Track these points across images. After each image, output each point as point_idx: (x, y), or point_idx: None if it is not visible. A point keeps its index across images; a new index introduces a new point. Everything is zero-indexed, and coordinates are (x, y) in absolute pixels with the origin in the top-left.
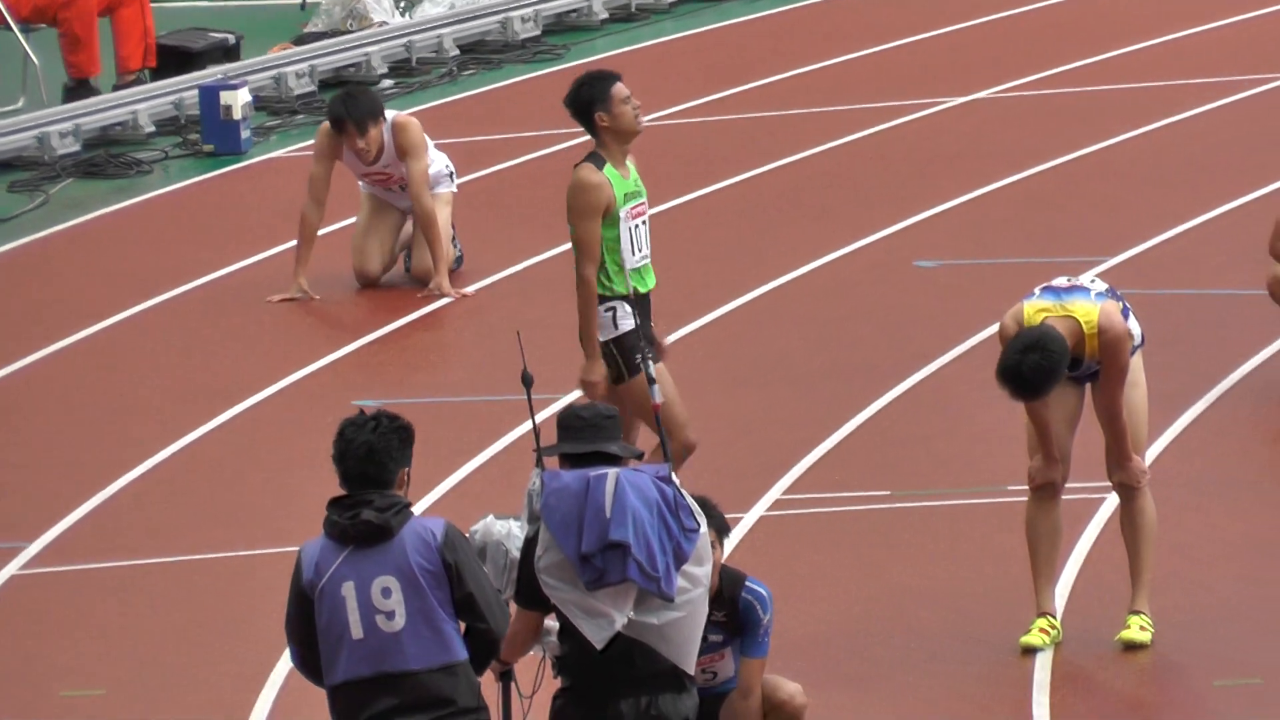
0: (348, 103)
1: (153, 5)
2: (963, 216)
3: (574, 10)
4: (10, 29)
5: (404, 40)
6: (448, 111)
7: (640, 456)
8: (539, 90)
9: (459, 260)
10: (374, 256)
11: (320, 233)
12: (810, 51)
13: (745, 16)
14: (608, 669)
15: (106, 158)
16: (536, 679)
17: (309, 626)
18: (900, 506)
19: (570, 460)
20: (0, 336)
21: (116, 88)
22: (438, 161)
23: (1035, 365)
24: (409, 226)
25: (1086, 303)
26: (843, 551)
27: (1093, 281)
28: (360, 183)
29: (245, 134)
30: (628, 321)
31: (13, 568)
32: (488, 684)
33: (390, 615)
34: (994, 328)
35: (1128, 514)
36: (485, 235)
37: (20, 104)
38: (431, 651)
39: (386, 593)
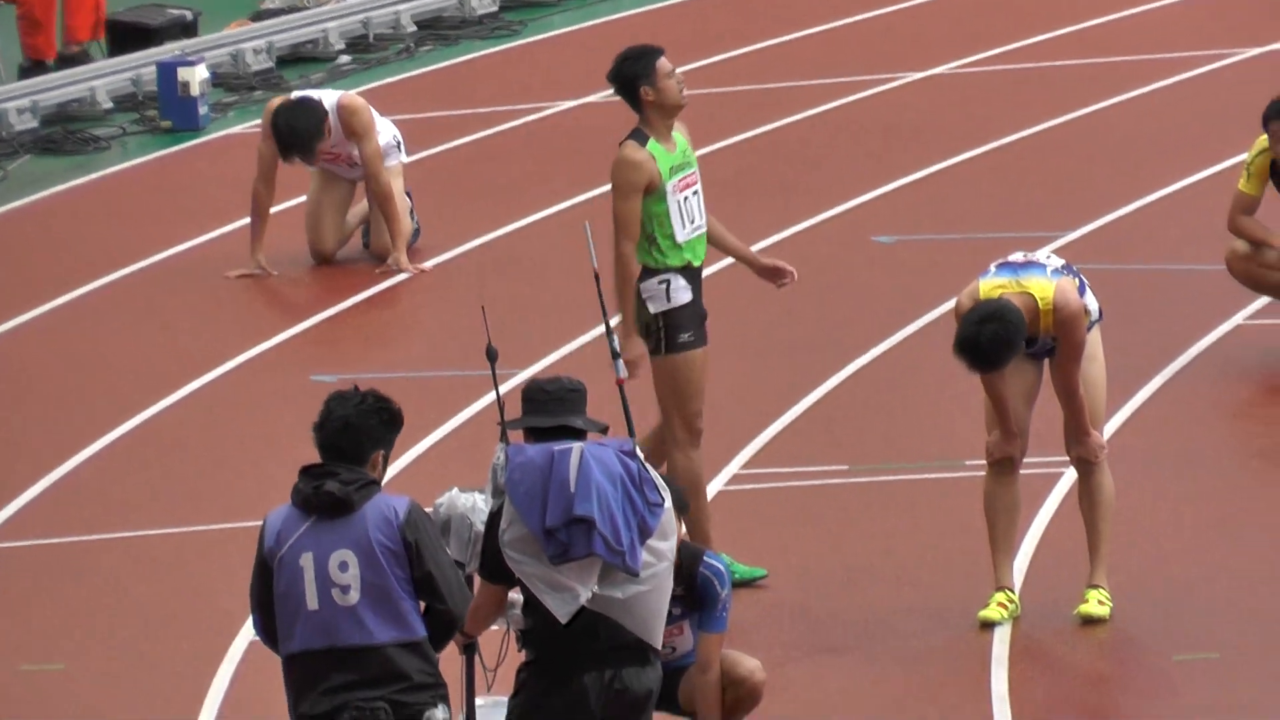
0: (290, 139)
1: None
2: (921, 192)
3: None
4: None
5: (361, 16)
6: (405, 88)
7: (605, 430)
8: (496, 66)
9: (416, 233)
10: (328, 234)
11: (278, 209)
12: (768, 27)
13: None
14: (572, 643)
15: (64, 134)
16: (500, 652)
17: (269, 594)
18: (858, 481)
19: (535, 434)
20: None
21: (62, 58)
22: (385, 132)
23: (993, 336)
24: (365, 203)
25: (1042, 279)
26: (801, 526)
27: (1049, 258)
28: None
29: (203, 110)
30: (683, 295)
31: None
32: (451, 657)
33: (345, 589)
34: (951, 303)
35: (1085, 489)
36: (443, 211)
37: None
38: (385, 628)
39: (344, 567)
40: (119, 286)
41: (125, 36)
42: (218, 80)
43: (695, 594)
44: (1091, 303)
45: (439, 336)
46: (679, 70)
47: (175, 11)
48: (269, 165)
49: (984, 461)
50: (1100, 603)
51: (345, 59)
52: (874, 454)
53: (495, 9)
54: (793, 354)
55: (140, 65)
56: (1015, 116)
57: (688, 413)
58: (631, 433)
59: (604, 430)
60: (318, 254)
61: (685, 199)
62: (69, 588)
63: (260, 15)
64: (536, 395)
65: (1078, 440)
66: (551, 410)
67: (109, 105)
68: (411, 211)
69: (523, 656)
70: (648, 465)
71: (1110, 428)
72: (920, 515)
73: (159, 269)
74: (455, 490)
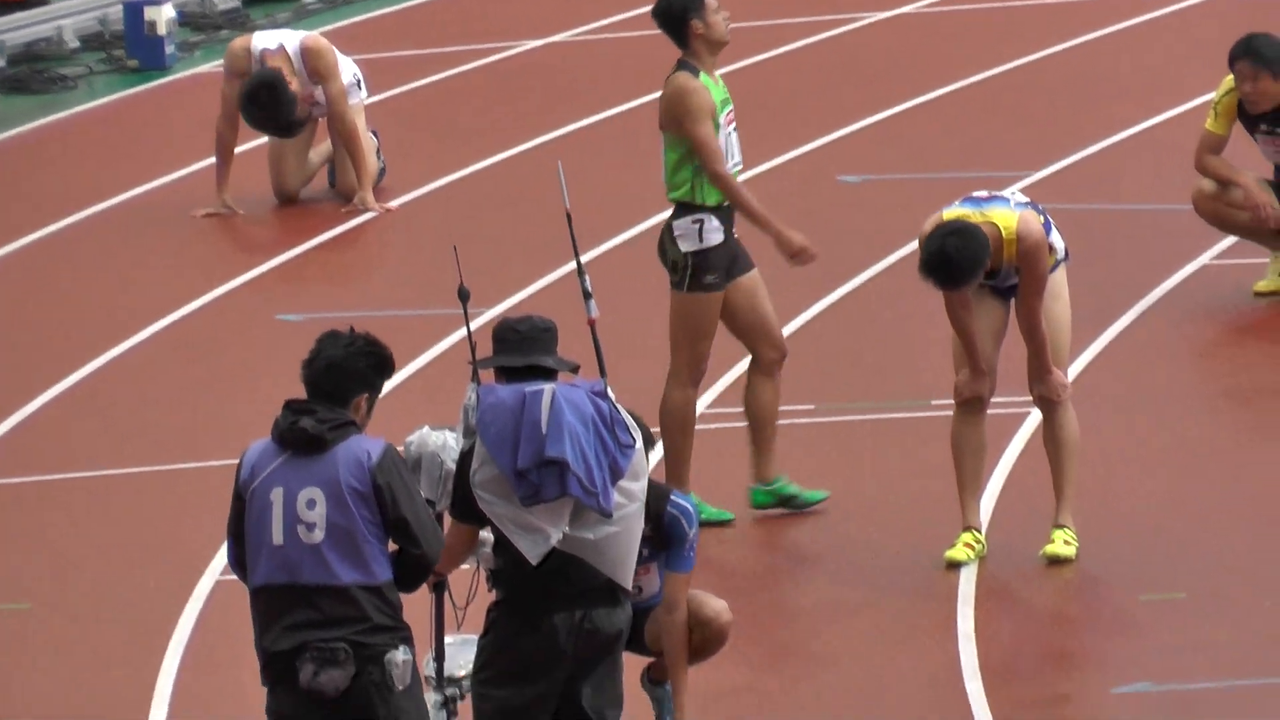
0: (267, 126)
1: None
2: (887, 132)
3: None
4: None
5: None
6: (371, 27)
7: (576, 369)
8: (462, 5)
9: (382, 173)
10: (290, 173)
11: (243, 149)
12: None
13: None
14: (542, 583)
15: (31, 73)
16: (470, 591)
17: (241, 525)
18: (825, 421)
19: (506, 374)
20: None
21: None
22: (345, 70)
23: (957, 248)
24: (328, 142)
25: (1006, 210)
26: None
27: (1013, 194)
28: None
29: (169, 50)
30: (715, 235)
31: None
32: (420, 596)
33: (311, 527)
34: (917, 243)
35: (1049, 429)
36: (408, 151)
37: None
38: (347, 569)
39: (311, 504)
40: (85, 226)
41: None
42: (184, 19)
43: (662, 533)
44: (1058, 241)
45: (405, 275)
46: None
47: None
48: (232, 106)
49: (951, 401)
50: (1066, 543)
51: None
52: (840, 394)
53: None
54: None
55: (107, 4)
56: (982, 56)
57: (696, 352)
58: (603, 372)
59: (575, 370)
60: (281, 194)
61: (729, 135)
62: (34, 528)
63: None
64: (507, 335)
65: (1040, 379)
66: (523, 350)
67: (76, 44)
68: (378, 151)
69: (492, 596)
70: (618, 406)
71: (1077, 367)
72: (887, 455)
73: (125, 208)
74: (426, 428)
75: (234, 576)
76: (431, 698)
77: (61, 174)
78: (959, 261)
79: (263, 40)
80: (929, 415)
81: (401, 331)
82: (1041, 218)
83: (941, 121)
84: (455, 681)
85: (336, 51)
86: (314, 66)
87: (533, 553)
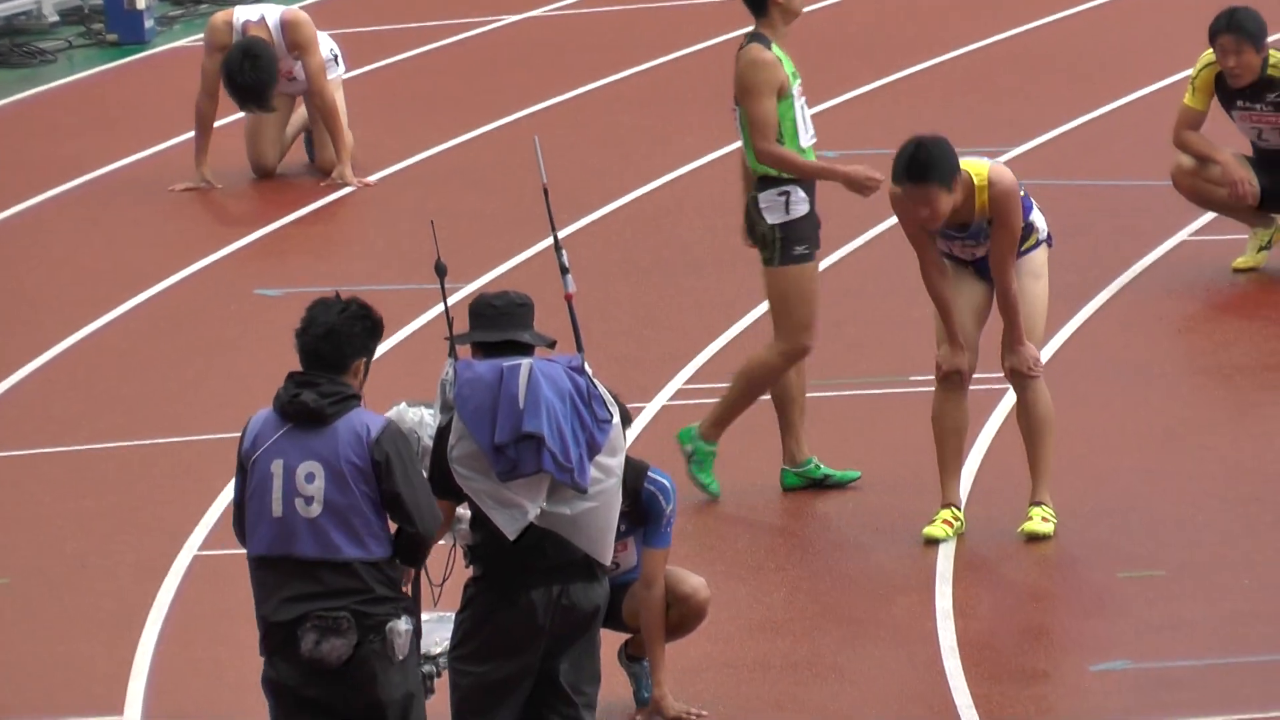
0: (246, 94)
1: None
2: (868, 105)
3: None
4: None
5: None
6: (349, 2)
7: (553, 345)
8: None
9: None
10: (268, 148)
11: (222, 123)
12: None
13: None
14: (520, 559)
15: (10, 47)
16: (447, 567)
17: (243, 494)
18: (805, 397)
19: (483, 349)
20: None
21: None
22: (323, 46)
23: (930, 140)
24: (302, 111)
25: (978, 160)
26: (745, 441)
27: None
28: None
29: (149, 24)
30: (801, 206)
31: None
32: None
33: (310, 500)
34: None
35: (1023, 405)
36: (386, 125)
37: None
38: (345, 544)
39: (310, 478)
40: (64, 200)
41: None
42: None
43: (640, 509)
44: (1039, 221)
45: (383, 250)
46: None
47: None
48: (212, 80)
49: (931, 378)
50: (1044, 519)
51: None
52: (820, 369)
53: None
54: (738, 267)
55: None
56: (962, 31)
57: (795, 321)
58: (580, 348)
59: (552, 345)
60: (259, 168)
61: (802, 107)
62: (13, 502)
63: None
64: (484, 310)
65: (1011, 349)
66: (499, 325)
67: (55, 18)
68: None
69: (469, 572)
70: (596, 381)
71: (1056, 343)
72: (865, 431)
73: (104, 182)
74: (403, 404)
75: (212, 551)
76: None
77: (40, 148)
78: (929, 148)
79: (244, 13)
80: (909, 391)
81: (380, 306)
82: (1021, 192)
83: (923, 97)
84: (432, 658)
85: (318, 31)
86: (293, 39)
87: (510, 528)
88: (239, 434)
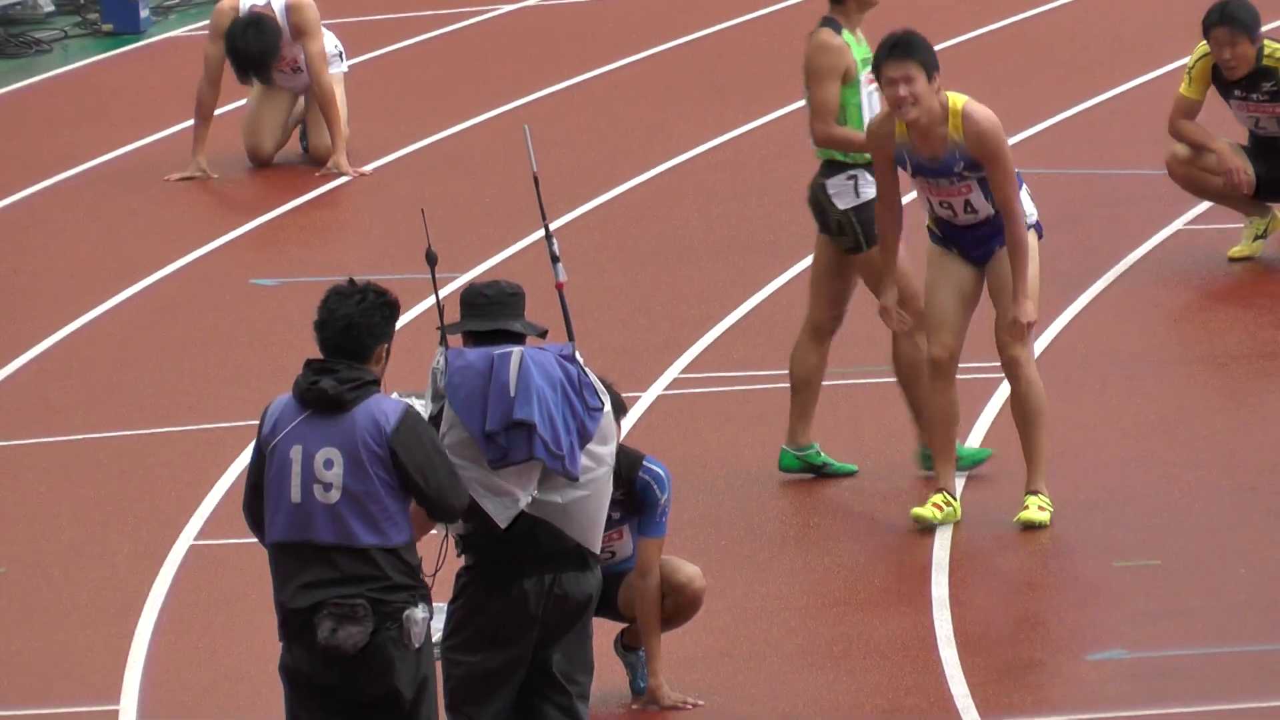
0: (246, 61)
1: None
2: None
3: None
4: None
5: None
6: None
7: (544, 334)
8: None
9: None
10: (266, 136)
11: (219, 112)
12: None
13: None
14: (511, 548)
15: (5, 37)
16: (439, 557)
17: (260, 478)
18: None
19: (474, 338)
20: None
21: None
22: (328, 41)
23: (910, 30)
24: (301, 104)
25: (958, 94)
26: (740, 430)
27: None
28: None
29: (144, 13)
30: (870, 189)
31: None
32: None
33: (328, 487)
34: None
35: (1015, 395)
36: (382, 114)
37: None
38: (363, 530)
39: (329, 464)
40: (59, 190)
41: None
42: None
43: (635, 498)
44: (1029, 206)
45: (378, 239)
46: None
47: None
48: (215, 68)
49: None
50: (1040, 508)
51: None
52: None
53: None
54: (733, 256)
55: None
56: (956, 19)
57: (909, 294)
58: (571, 337)
59: (543, 334)
60: (255, 156)
61: (871, 93)
62: (9, 491)
63: None
64: (475, 299)
65: (1015, 301)
66: (490, 314)
67: (50, 8)
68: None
69: (461, 562)
70: (587, 369)
71: (1051, 332)
72: (860, 419)
73: (99, 172)
74: (395, 393)
75: (209, 541)
76: None
77: (36, 138)
78: (912, 33)
79: (249, 0)
80: None
81: None
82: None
83: None
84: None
85: (322, 24)
86: (297, 22)
87: (501, 516)
88: (235, 423)
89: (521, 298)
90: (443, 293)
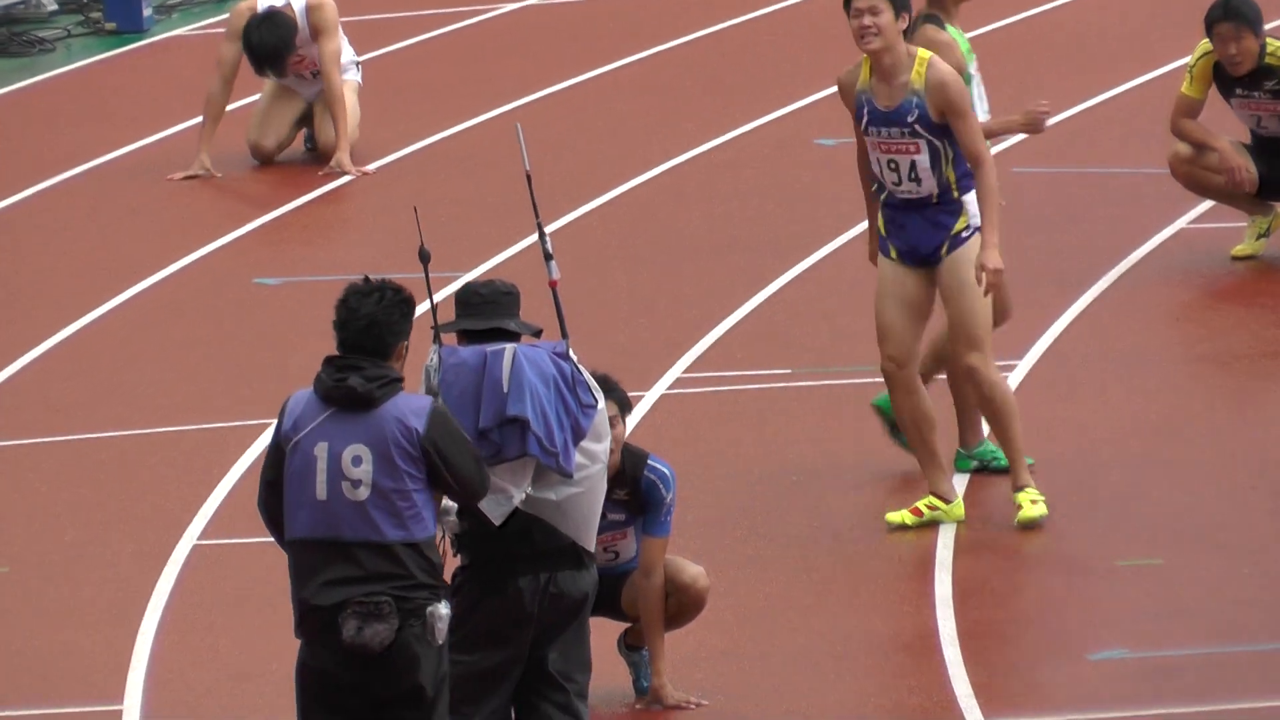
0: (261, 52)
1: None
2: None
3: None
4: None
5: None
6: None
7: (539, 333)
8: None
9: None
10: (270, 132)
11: (226, 108)
12: None
13: None
14: (506, 546)
15: (9, 36)
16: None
17: (279, 474)
18: (801, 385)
19: (468, 337)
20: None
21: None
22: (346, 51)
23: None
24: (309, 106)
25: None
26: (744, 430)
27: None
28: None
29: (147, 12)
30: None
31: None
32: None
33: (356, 484)
34: None
35: (980, 398)
36: (384, 113)
37: None
38: (390, 527)
39: (357, 461)
40: (62, 189)
41: None
42: None
43: (639, 498)
44: (973, 206)
45: (381, 238)
46: None
47: None
48: (230, 68)
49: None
50: (1034, 501)
51: None
52: (816, 358)
53: None
54: (735, 256)
55: None
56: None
57: (997, 299)
58: (564, 335)
59: (538, 333)
60: (258, 153)
61: (979, 82)
62: (11, 491)
63: None
64: (470, 298)
65: (984, 249)
66: (485, 313)
67: (53, 7)
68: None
69: (458, 561)
70: (580, 367)
71: (1053, 332)
72: (863, 419)
73: (102, 171)
74: None
75: (212, 540)
76: None
77: (39, 137)
78: None
79: (267, 1)
80: None
81: None
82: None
83: None
84: None
85: (343, 35)
86: (316, 21)
87: (495, 513)
88: (238, 423)
89: (516, 297)
90: (446, 291)
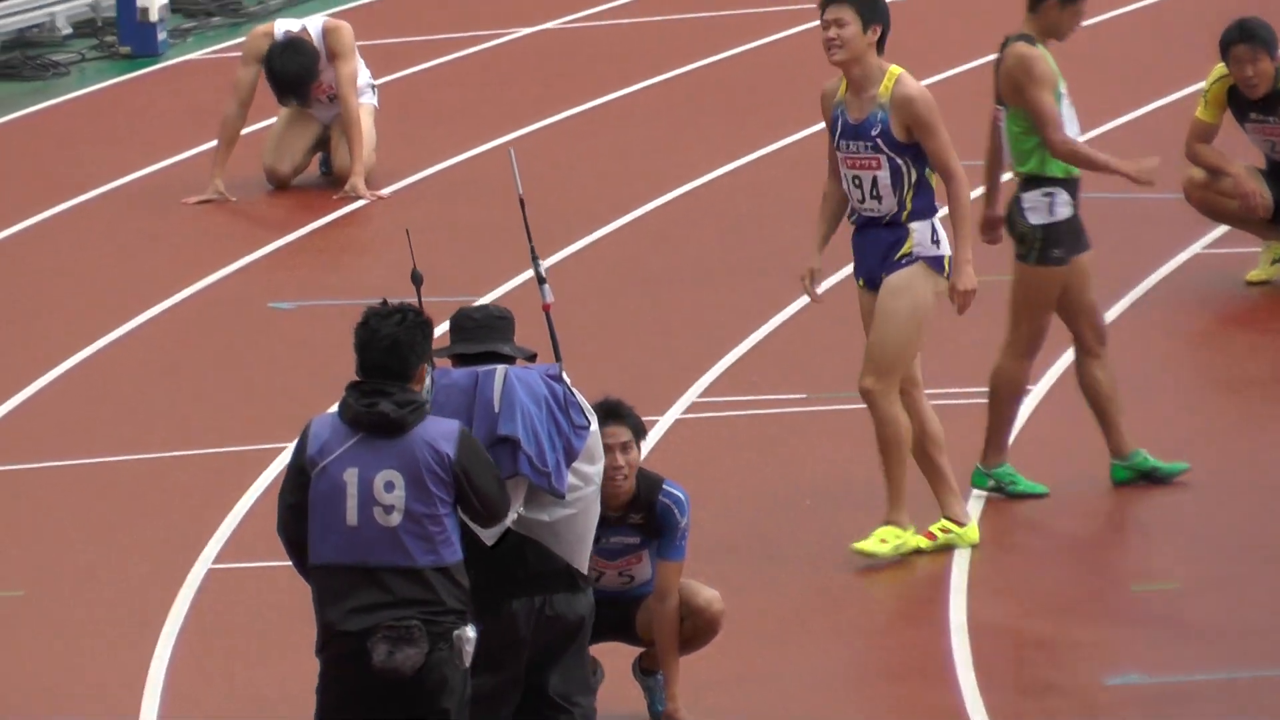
0: (284, 81)
1: None
2: None
3: None
4: None
5: None
6: (363, 13)
7: (533, 357)
8: None
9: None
10: (285, 157)
11: (242, 133)
12: None
13: None
14: (500, 567)
15: (23, 59)
16: None
17: (302, 498)
18: (816, 410)
19: (462, 360)
20: None
21: None
22: (362, 74)
23: None
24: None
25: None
26: (759, 454)
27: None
28: None
29: (162, 36)
30: (1064, 209)
31: None
32: None
33: (389, 510)
34: None
35: (875, 420)
36: (402, 137)
37: None
38: (421, 552)
39: (389, 486)
40: (77, 213)
41: None
42: (176, 6)
43: (654, 522)
44: (924, 235)
45: (395, 262)
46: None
47: None
48: (246, 92)
49: (941, 389)
50: (882, 540)
51: None
52: (831, 382)
53: None
54: (751, 280)
55: None
56: (971, 42)
57: (1036, 325)
58: (558, 358)
59: (532, 357)
60: (273, 177)
61: (1069, 103)
62: (27, 513)
63: None
64: (464, 323)
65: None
66: (479, 337)
67: (68, 31)
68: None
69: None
70: (573, 389)
71: (1069, 356)
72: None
73: (117, 195)
74: None
75: (226, 565)
76: None
77: (53, 161)
78: None
79: (284, 25)
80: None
81: None
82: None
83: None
84: None
85: (360, 58)
86: (332, 45)
87: (488, 534)
88: (253, 446)
89: (510, 322)
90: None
